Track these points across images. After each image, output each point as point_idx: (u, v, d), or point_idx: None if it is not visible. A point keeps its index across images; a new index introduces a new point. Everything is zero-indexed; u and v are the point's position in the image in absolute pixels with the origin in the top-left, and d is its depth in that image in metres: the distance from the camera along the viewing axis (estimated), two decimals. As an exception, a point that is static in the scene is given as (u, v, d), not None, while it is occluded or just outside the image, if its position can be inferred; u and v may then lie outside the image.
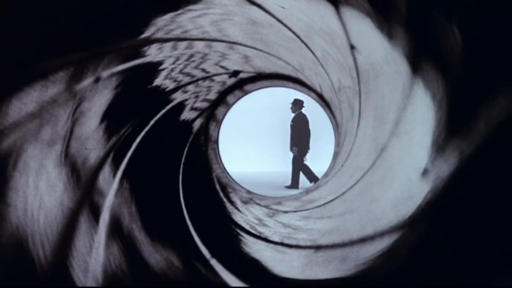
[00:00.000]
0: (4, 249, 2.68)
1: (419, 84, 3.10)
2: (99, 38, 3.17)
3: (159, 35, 3.78)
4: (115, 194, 3.92)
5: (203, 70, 5.51)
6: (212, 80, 6.09)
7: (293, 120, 13.18)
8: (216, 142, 7.49)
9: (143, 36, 3.63)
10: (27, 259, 2.78)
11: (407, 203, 3.34)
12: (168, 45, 4.13)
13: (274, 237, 4.83)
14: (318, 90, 6.42)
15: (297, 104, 13.06)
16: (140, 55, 3.84)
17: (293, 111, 13.19)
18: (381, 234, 3.56)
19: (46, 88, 2.81)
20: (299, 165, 13.29)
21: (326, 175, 7.15)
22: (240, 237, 4.86)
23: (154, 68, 4.28)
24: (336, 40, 3.96)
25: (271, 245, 4.65)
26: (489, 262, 2.77)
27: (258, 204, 6.60)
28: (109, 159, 3.90)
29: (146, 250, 3.87)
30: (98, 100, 3.51)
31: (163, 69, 4.46)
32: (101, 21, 3.10)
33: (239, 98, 7.32)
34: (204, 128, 6.82)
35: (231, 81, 6.46)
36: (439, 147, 3.00)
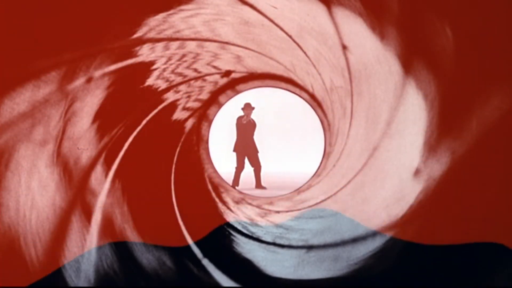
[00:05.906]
0: (-4, 249, 2.67)
1: (411, 84, 3.11)
2: (91, 38, 3.17)
3: (151, 35, 3.78)
4: (107, 194, 3.91)
5: (195, 70, 5.51)
6: (204, 80, 6.08)
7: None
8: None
9: (135, 36, 3.62)
10: (19, 259, 2.77)
11: (399, 203, 3.35)
12: (160, 45, 4.13)
13: (266, 237, 4.84)
14: (310, 90, 6.42)
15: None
16: (132, 55, 3.83)
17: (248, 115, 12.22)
18: (373, 234, 3.58)
19: (38, 88, 2.80)
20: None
21: (317, 175, 7.15)
22: (232, 237, 4.86)
23: (146, 68, 4.27)
24: (328, 40, 3.97)
25: (263, 245, 4.65)
26: (481, 262, 2.79)
27: (250, 204, 6.59)
28: (101, 159, 3.89)
29: (138, 250, 3.86)
30: (90, 100, 3.50)
31: (155, 69, 4.46)
32: (93, 21, 3.10)
33: (230, 98, 7.30)
34: (196, 128, 6.80)
35: (223, 81, 6.45)
36: (431, 147, 3.02)
